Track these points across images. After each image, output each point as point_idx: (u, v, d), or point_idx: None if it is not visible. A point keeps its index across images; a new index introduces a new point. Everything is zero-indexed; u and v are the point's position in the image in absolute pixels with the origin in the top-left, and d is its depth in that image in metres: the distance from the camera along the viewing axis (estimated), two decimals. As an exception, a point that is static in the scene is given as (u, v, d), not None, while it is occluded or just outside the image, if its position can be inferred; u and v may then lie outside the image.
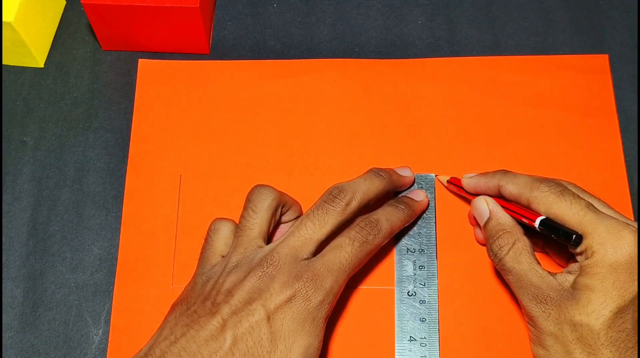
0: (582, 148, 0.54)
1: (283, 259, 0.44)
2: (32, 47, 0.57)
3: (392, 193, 0.52)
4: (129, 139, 0.56)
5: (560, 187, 0.45)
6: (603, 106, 0.55)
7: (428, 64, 0.58)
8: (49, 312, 0.51)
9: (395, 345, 0.49)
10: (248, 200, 0.47)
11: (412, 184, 0.53)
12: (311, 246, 0.45)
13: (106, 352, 0.50)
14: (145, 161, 0.55)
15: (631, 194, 0.53)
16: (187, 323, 0.43)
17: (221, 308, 0.43)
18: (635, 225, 0.43)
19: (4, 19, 0.54)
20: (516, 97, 0.56)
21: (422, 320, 0.49)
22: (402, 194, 0.52)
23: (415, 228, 0.52)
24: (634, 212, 0.52)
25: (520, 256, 0.45)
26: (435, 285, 0.50)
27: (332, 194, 0.47)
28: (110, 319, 0.51)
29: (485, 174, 0.50)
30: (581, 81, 0.56)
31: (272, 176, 0.54)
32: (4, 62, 0.59)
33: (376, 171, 0.49)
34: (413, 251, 0.51)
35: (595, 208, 0.44)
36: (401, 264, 0.51)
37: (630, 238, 0.42)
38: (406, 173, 0.52)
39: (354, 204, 0.47)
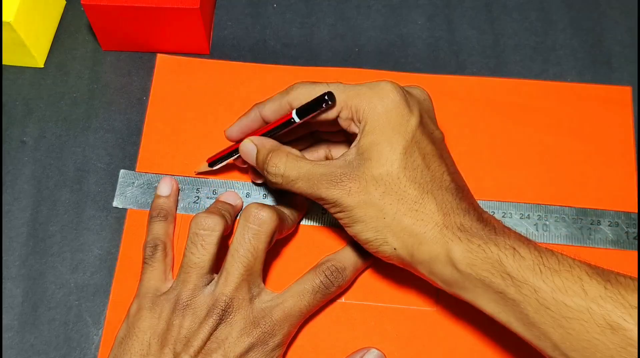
0: (596, 178, 0.54)
1: (236, 304, 0.45)
2: (32, 47, 0.57)
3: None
4: (129, 139, 0.56)
5: (311, 81, 0.48)
6: (621, 139, 0.55)
7: (443, 80, 0.57)
8: (49, 312, 0.51)
9: None
10: (194, 233, 0.47)
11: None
12: (256, 278, 0.46)
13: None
14: (154, 158, 0.55)
15: None
16: None
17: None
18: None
19: (3, 19, 0.54)
20: (534, 122, 0.55)
21: None
22: None
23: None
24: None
25: (299, 161, 0.46)
26: None
27: (252, 216, 0.46)
28: (110, 319, 0.51)
29: (242, 115, 0.52)
30: (601, 111, 0.56)
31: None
32: (4, 62, 0.59)
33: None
34: None
35: (341, 83, 0.47)
36: None
37: (388, 86, 0.44)
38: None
39: (274, 225, 0.47)
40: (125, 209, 0.54)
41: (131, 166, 0.55)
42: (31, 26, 0.57)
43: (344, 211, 0.44)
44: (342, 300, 0.50)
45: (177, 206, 0.53)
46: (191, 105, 0.57)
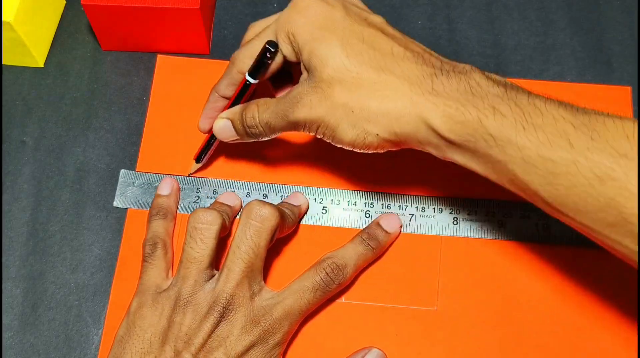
0: None
1: (237, 301, 0.45)
2: (31, 47, 0.57)
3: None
4: (129, 139, 0.56)
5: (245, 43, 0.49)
6: None
7: None
8: (49, 312, 0.51)
9: None
10: (193, 227, 0.46)
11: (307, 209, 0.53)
12: (258, 278, 0.46)
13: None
14: (154, 158, 0.55)
15: None
16: None
17: (183, 357, 0.43)
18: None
19: (3, 18, 0.54)
20: None
21: None
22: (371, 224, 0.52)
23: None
24: None
25: (266, 102, 0.46)
26: None
27: (254, 214, 0.46)
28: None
29: (205, 107, 0.53)
30: (601, 111, 0.56)
31: (280, 178, 0.54)
32: (4, 62, 0.59)
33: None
34: None
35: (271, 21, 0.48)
36: None
37: (308, 0, 0.45)
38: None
39: (276, 223, 0.47)
40: (125, 209, 0.54)
41: (131, 166, 0.55)
42: (31, 26, 0.57)
43: (319, 125, 0.44)
44: (342, 300, 0.50)
45: (177, 205, 0.53)
46: (191, 105, 0.57)
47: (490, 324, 0.49)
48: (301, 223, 0.53)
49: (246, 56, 0.48)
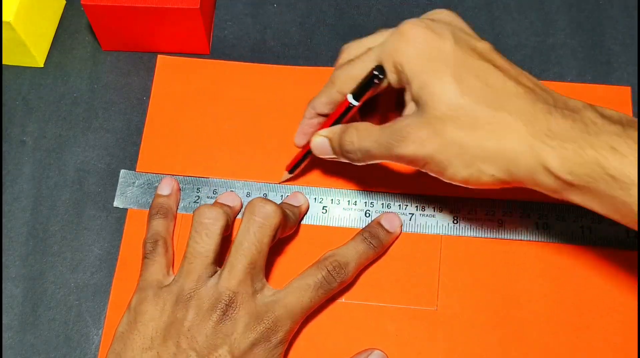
0: None
1: (240, 298, 0.44)
2: (31, 47, 0.57)
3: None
4: (129, 139, 0.56)
5: (349, 60, 0.47)
6: None
7: None
8: (49, 312, 0.51)
9: None
10: (198, 223, 0.47)
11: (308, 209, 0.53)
12: (259, 273, 0.46)
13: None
14: (154, 158, 0.55)
15: None
16: None
17: (188, 354, 0.43)
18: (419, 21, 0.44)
19: (3, 18, 0.54)
20: None
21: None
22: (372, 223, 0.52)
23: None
24: None
25: (368, 129, 0.45)
26: None
27: (257, 211, 0.46)
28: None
29: (301, 123, 0.52)
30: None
31: (280, 178, 0.54)
32: (4, 62, 0.59)
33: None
34: None
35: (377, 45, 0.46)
36: None
37: (408, 27, 0.43)
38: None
39: (279, 219, 0.47)
40: (125, 210, 0.54)
41: (131, 166, 0.55)
42: (31, 26, 0.57)
43: (427, 163, 0.43)
44: (343, 300, 0.50)
45: (177, 205, 0.53)
46: (191, 105, 0.57)
47: (491, 324, 0.49)
48: (301, 222, 0.53)
49: (348, 77, 0.47)
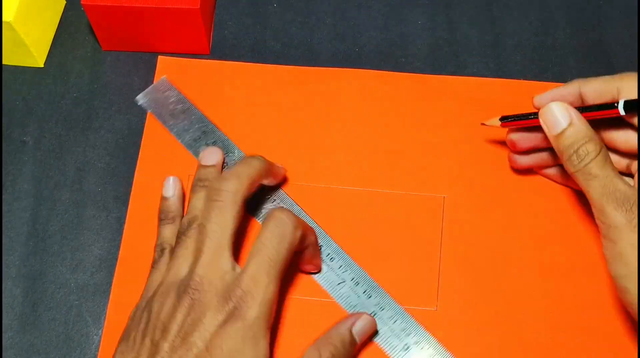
0: None
1: (207, 281, 0.44)
2: (32, 47, 0.57)
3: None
4: (129, 139, 0.56)
5: None
6: None
7: (445, 81, 0.57)
8: (49, 312, 0.51)
9: None
10: (180, 233, 0.47)
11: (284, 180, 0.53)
12: (226, 255, 0.45)
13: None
14: (155, 160, 0.55)
15: None
16: None
17: (160, 347, 0.42)
18: None
19: (3, 18, 0.54)
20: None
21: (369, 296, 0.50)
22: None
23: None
24: None
25: (607, 162, 0.43)
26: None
27: (214, 189, 0.46)
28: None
29: (558, 87, 0.48)
30: None
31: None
32: (4, 62, 0.59)
33: (251, 156, 0.50)
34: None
35: None
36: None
37: None
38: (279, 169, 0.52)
39: (241, 190, 0.46)
40: (125, 209, 0.54)
41: (131, 166, 0.55)
42: (31, 26, 0.57)
43: (616, 244, 0.41)
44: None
45: (183, 205, 0.53)
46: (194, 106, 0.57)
47: (491, 325, 0.49)
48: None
49: (636, 83, 0.44)
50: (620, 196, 0.41)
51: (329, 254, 0.51)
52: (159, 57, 0.59)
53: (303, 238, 0.46)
